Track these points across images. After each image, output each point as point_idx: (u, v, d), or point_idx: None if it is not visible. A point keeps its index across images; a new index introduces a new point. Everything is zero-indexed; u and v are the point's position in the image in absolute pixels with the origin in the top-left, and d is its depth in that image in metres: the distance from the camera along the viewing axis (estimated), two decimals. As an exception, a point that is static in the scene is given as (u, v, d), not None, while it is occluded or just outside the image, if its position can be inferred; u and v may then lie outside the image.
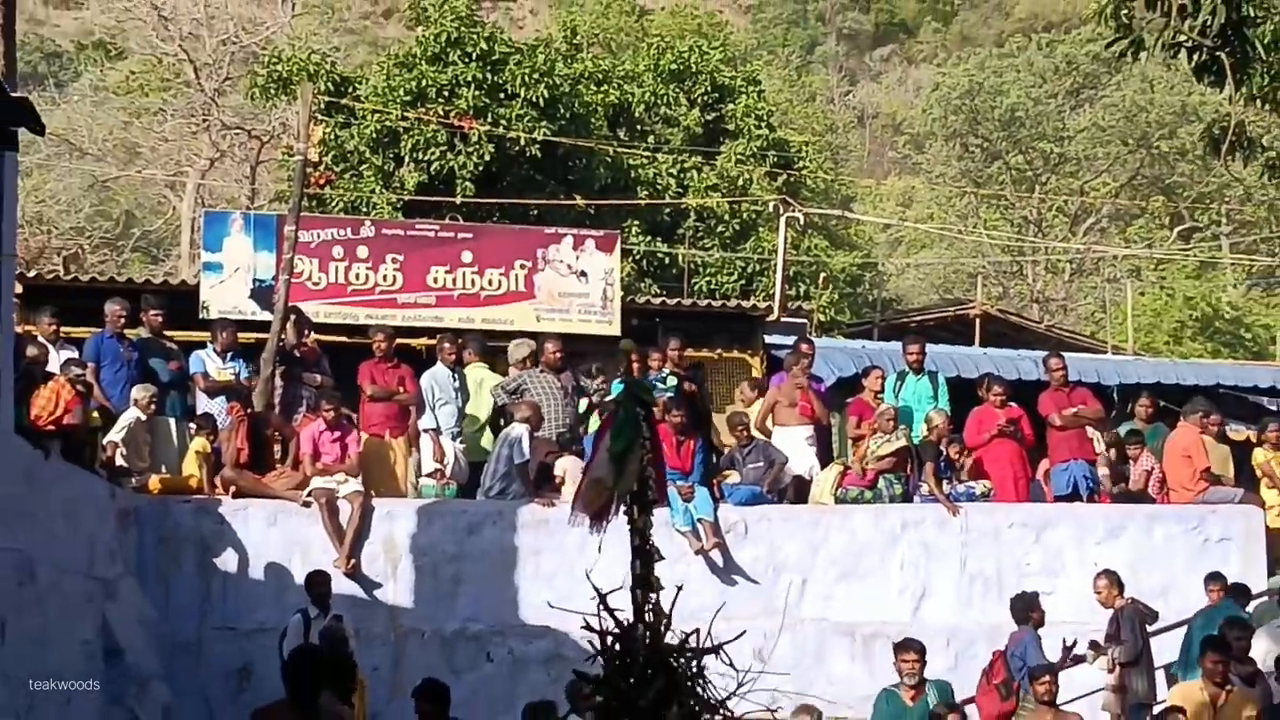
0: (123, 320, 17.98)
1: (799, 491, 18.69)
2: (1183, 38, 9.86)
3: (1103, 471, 19.44)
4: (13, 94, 13.37)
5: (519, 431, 17.58)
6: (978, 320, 33.42)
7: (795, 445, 18.85)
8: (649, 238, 34.59)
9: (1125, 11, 11.08)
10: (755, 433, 18.88)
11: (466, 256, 21.71)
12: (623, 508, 9.16)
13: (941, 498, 18.28)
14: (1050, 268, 55.74)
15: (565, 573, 16.66)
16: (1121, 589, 16.18)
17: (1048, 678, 14.56)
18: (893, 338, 27.82)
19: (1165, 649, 16.34)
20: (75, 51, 66.83)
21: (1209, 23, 9.56)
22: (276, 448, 17.87)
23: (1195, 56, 10.05)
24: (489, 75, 31.80)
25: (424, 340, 20.81)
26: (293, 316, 18.80)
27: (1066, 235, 55.44)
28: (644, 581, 9.10)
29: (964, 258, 54.17)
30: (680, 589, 8.90)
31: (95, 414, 16.51)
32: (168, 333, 18.67)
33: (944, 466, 18.82)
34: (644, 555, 9.16)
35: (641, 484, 9.13)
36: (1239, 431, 22.67)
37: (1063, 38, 61.73)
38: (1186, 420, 19.84)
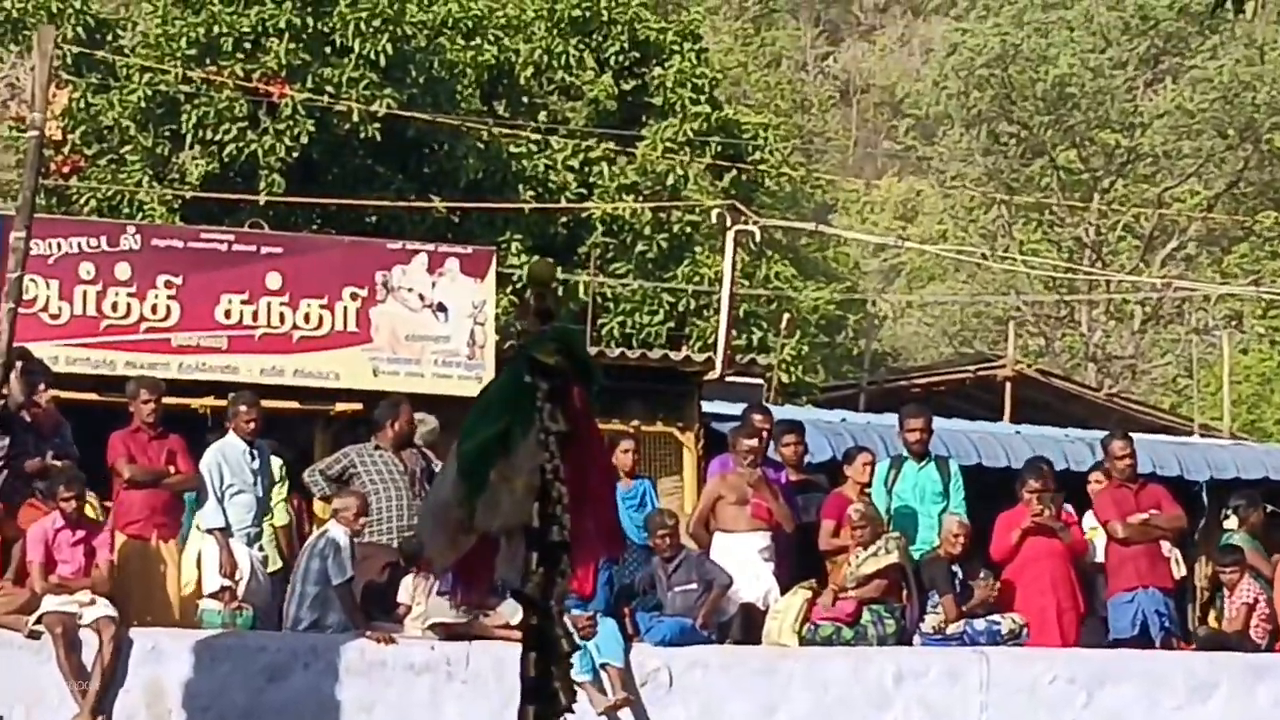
0: None
1: (749, 626, 18.71)
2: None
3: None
4: None
5: (337, 535, 17.51)
6: (1008, 384, 33.65)
7: (745, 560, 18.85)
8: (536, 257, 34.68)
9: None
10: (687, 541, 18.88)
11: (274, 281, 21.63)
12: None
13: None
14: (1114, 312, 56.12)
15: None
16: None
17: None
18: (887, 408, 27.98)
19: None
20: None
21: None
22: (-8, 553, 17.85)
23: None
24: (309, 21, 31.88)
25: (209, 400, 20.79)
26: (20, 364, 18.72)
27: (1137, 265, 55.85)
28: (537, 690, 7.51)
29: (990, 295, 54.51)
30: None
31: None
32: None
33: (959, 593, 18.96)
34: (543, 643, 7.50)
35: (544, 515, 7.48)
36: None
37: (1136, -17, 62.41)
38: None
